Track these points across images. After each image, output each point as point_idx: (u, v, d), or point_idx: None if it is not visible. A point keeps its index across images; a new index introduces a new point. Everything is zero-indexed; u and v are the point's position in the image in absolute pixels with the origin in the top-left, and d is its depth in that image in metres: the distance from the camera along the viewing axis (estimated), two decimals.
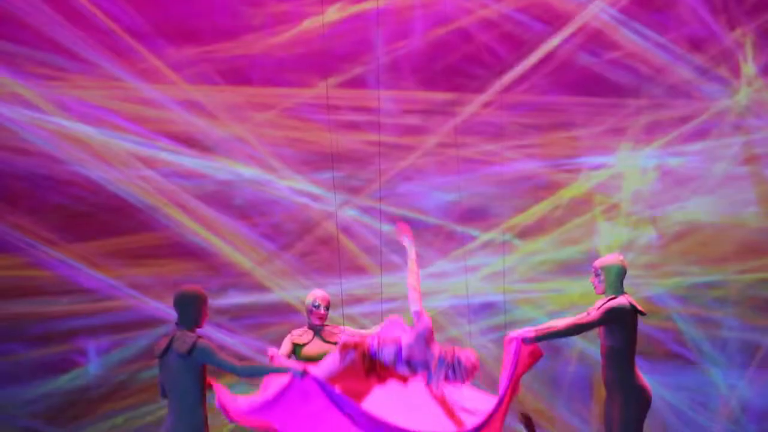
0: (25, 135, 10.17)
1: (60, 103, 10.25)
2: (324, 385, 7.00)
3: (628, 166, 10.25)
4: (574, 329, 7.40)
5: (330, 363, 7.42)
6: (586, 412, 10.03)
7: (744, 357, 10.10)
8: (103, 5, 10.36)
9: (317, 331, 8.56)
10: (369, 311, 10.05)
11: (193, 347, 6.99)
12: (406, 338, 7.34)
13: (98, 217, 10.30)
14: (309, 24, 10.33)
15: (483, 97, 10.31)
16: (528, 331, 7.33)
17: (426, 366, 7.28)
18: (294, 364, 7.27)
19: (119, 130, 10.33)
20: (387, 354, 7.40)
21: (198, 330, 7.15)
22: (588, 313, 7.49)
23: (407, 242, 7.48)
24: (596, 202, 10.27)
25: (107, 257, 10.25)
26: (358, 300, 9.97)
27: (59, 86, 10.28)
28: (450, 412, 7.41)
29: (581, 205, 10.30)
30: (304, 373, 6.97)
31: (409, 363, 7.35)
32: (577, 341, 10.01)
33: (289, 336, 8.52)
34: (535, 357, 7.39)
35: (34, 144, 10.16)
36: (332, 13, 10.30)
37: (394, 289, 9.48)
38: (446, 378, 7.22)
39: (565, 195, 10.28)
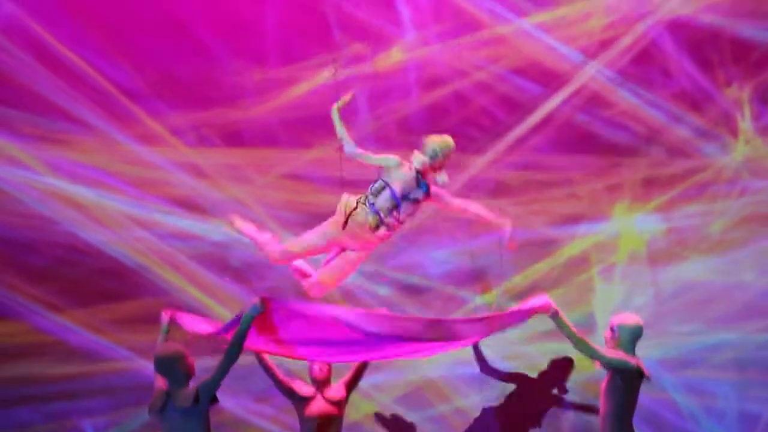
0: (20, 197, 10.14)
1: (55, 165, 10.23)
2: (287, 304, 7.23)
3: (624, 227, 10.28)
4: (586, 345, 7.43)
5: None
6: None
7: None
8: (99, 66, 10.39)
9: (320, 387, 8.54)
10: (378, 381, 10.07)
11: (197, 395, 7.04)
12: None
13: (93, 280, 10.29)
14: (304, 87, 10.38)
15: (484, 159, 10.35)
16: (556, 311, 7.39)
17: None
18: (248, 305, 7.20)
19: (116, 192, 10.35)
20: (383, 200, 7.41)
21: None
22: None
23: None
24: (593, 261, 10.28)
25: (106, 321, 10.22)
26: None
27: (54, 148, 10.25)
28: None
29: (579, 264, 10.30)
30: (263, 303, 7.11)
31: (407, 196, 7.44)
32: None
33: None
34: (545, 309, 7.44)
35: (29, 206, 10.14)
36: (322, 77, 10.34)
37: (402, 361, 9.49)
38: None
39: (563, 254, 10.29)
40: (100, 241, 10.27)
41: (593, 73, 10.25)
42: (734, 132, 10.22)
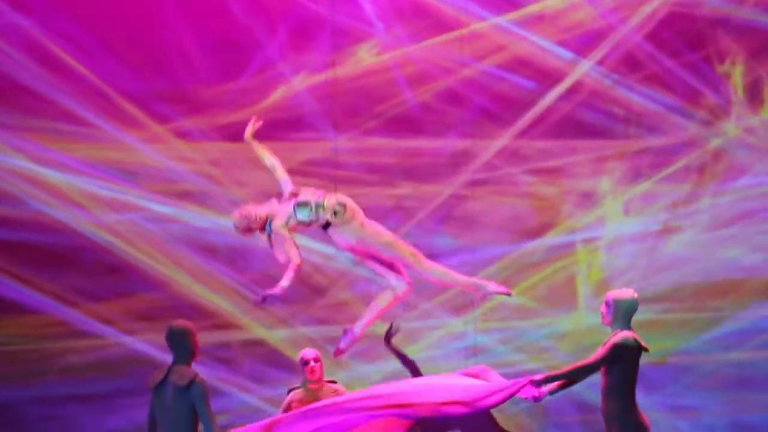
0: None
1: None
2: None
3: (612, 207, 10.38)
4: (582, 370, 7.44)
5: None
6: None
7: None
8: (90, 64, 10.47)
9: (314, 391, 8.44)
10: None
11: (192, 382, 7.09)
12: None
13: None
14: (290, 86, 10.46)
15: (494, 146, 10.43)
16: (536, 384, 7.34)
17: None
18: None
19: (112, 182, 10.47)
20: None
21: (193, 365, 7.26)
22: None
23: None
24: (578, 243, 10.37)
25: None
26: None
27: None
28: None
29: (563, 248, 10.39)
30: None
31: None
32: None
33: (288, 397, 8.45)
34: (533, 396, 7.43)
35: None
36: (301, 81, 10.47)
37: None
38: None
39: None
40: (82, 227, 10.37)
41: (586, 67, 10.32)
42: (727, 109, 10.28)
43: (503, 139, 10.45)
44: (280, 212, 7.72)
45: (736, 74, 10.29)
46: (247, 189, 10.37)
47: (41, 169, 10.38)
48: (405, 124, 10.55)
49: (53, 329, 10.42)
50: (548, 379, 7.38)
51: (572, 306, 10.30)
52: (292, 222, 7.71)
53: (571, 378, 7.52)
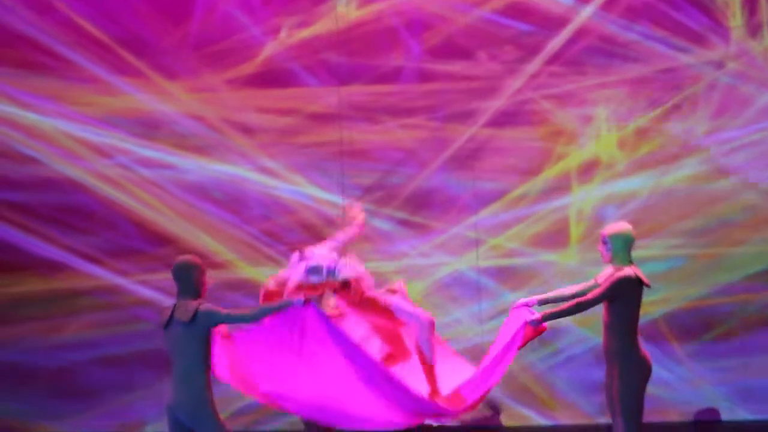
0: None
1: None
2: (323, 316, 7.36)
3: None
4: (581, 306, 7.41)
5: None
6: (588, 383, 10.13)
7: None
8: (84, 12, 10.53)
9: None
10: None
11: (196, 314, 7.20)
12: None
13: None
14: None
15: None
16: (532, 311, 7.42)
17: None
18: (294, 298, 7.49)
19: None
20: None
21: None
22: (595, 280, 7.60)
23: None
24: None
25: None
26: None
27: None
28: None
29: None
30: (306, 302, 7.34)
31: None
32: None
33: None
34: (538, 332, 7.49)
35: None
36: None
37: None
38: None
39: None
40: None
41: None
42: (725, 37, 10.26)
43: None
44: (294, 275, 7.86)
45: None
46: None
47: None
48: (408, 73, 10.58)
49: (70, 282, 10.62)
50: (545, 318, 7.39)
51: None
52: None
53: (567, 315, 7.49)
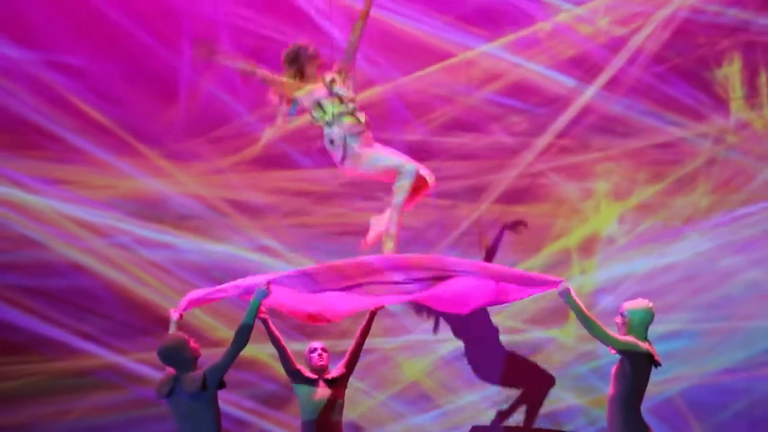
0: None
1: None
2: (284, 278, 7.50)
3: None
4: (597, 327, 7.41)
5: None
6: None
7: None
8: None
9: (320, 373, 8.65)
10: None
11: (204, 380, 7.20)
12: None
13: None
14: None
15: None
16: (567, 288, 7.41)
17: None
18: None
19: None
20: None
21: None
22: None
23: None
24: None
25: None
26: None
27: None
28: None
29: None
30: (267, 290, 7.46)
31: None
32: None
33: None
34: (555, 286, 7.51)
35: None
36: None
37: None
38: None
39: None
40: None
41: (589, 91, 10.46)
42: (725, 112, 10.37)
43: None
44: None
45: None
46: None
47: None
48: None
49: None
50: (569, 300, 7.39)
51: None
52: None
53: (583, 319, 7.43)
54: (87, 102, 10.68)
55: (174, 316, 7.74)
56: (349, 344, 8.81)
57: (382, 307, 8.56)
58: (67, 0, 10.62)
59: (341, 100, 8.02)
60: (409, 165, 8.02)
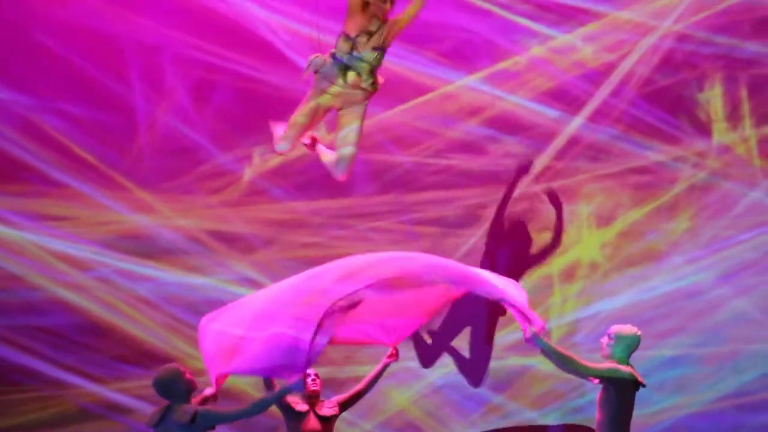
0: None
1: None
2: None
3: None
4: (573, 362, 7.43)
5: None
6: None
7: None
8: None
9: (312, 402, 8.60)
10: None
11: (195, 415, 7.14)
12: None
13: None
14: None
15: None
16: (538, 332, 7.33)
17: None
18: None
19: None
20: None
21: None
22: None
23: None
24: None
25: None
26: None
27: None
28: None
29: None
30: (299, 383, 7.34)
31: None
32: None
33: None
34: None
35: None
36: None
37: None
38: None
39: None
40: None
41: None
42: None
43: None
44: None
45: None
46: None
47: None
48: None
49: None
50: (541, 343, 7.34)
51: None
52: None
53: (558, 358, 7.46)
54: (67, 137, 10.65)
55: (207, 392, 7.75)
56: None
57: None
58: (15, 39, 10.57)
59: (374, 48, 7.89)
60: (353, 149, 8.02)
